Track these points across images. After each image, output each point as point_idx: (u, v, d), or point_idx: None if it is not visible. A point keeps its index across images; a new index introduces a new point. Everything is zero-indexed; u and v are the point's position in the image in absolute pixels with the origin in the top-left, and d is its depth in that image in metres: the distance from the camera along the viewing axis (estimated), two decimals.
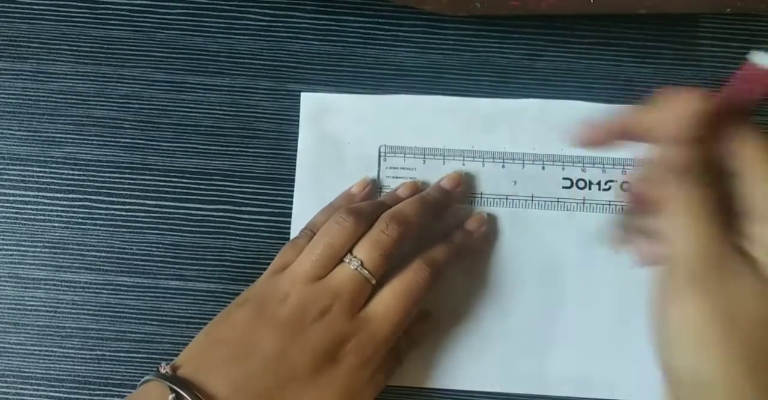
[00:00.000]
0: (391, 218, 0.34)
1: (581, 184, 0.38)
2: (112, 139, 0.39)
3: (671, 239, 0.26)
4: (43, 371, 0.38)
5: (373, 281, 0.33)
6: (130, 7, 0.40)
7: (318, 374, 0.31)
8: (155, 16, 0.40)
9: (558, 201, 0.38)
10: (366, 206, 0.35)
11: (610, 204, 0.38)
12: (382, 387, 0.34)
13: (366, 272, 0.33)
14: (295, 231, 0.38)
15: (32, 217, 0.39)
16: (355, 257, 0.33)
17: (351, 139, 0.39)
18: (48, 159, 0.39)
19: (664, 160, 0.26)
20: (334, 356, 0.31)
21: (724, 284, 0.24)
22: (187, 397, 0.29)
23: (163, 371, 0.31)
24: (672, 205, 0.26)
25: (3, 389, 0.38)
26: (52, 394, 0.38)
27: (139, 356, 0.38)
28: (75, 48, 0.40)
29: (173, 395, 0.29)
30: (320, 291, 0.32)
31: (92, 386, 0.38)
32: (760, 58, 0.26)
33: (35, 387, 0.38)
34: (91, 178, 0.39)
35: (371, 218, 0.34)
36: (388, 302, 0.33)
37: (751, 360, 0.23)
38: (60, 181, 0.39)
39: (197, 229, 0.39)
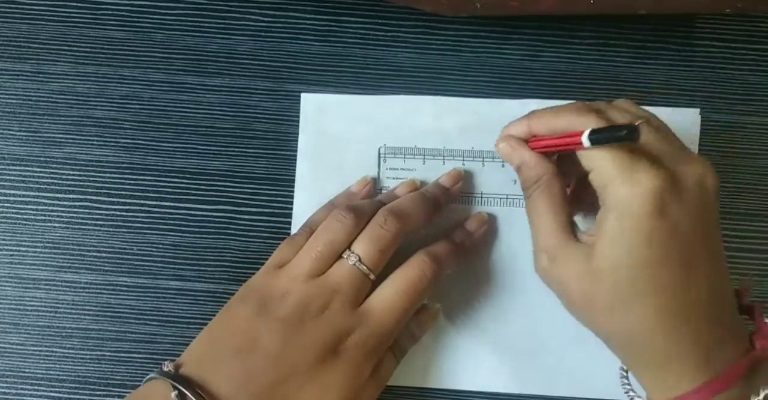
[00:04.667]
0: (389, 213, 0.34)
1: None
2: (112, 140, 0.39)
3: (533, 241, 0.32)
4: (43, 371, 0.38)
5: (372, 277, 0.33)
6: (129, 8, 0.40)
7: (319, 368, 0.31)
8: (154, 16, 0.40)
9: None
10: (365, 204, 0.35)
11: None
12: (384, 385, 0.34)
13: (364, 267, 0.33)
14: (295, 231, 0.38)
15: (32, 217, 0.39)
16: (353, 253, 0.33)
17: (351, 139, 0.39)
18: (48, 159, 0.39)
19: (524, 176, 0.33)
20: (335, 350, 0.32)
21: (559, 274, 0.31)
22: (190, 395, 0.29)
23: (166, 369, 0.31)
24: (530, 211, 0.32)
25: (3, 389, 0.38)
26: (52, 394, 0.38)
27: (140, 356, 0.38)
28: (75, 48, 0.40)
29: (176, 392, 0.29)
30: (320, 288, 0.32)
31: (92, 387, 0.38)
32: (585, 139, 0.29)
33: (35, 387, 0.38)
34: (91, 178, 0.39)
35: (370, 214, 0.34)
36: (388, 295, 0.33)
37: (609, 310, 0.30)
38: (60, 181, 0.39)
39: (197, 229, 0.39)
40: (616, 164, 0.29)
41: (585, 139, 0.29)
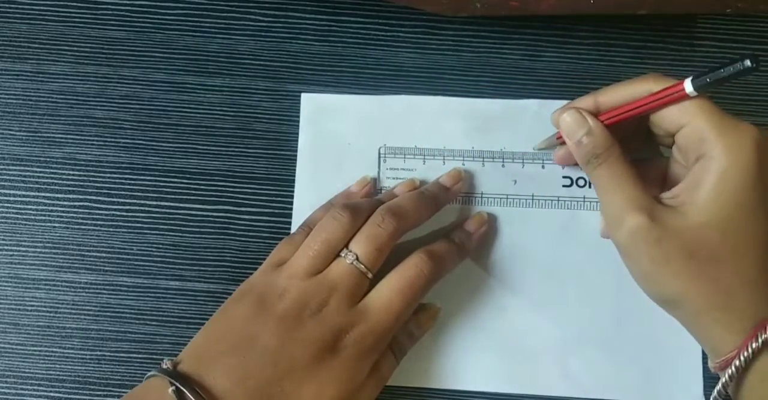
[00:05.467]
0: (386, 211, 0.34)
1: (581, 182, 0.38)
2: (112, 140, 0.39)
3: (608, 211, 0.32)
4: (43, 371, 0.38)
5: (370, 275, 0.33)
6: (129, 8, 0.40)
7: (317, 365, 0.31)
8: (154, 16, 0.40)
9: (558, 200, 0.38)
10: (362, 202, 0.35)
11: None
12: (384, 384, 0.34)
13: (362, 265, 0.33)
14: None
15: (32, 217, 0.39)
16: (350, 252, 0.33)
17: (351, 139, 0.39)
18: (48, 159, 0.39)
19: (585, 149, 0.32)
20: (333, 347, 0.32)
21: (658, 231, 0.30)
22: (186, 391, 0.29)
23: (164, 366, 0.31)
24: (601, 183, 0.32)
25: (3, 389, 0.38)
26: (52, 394, 0.38)
27: (139, 356, 0.38)
28: (75, 48, 0.40)
29: (173, 388, 0.30)
30: (317, 286, 0.32)
31: (92, 387, 0.38)
32: (688, 85, 0.29)
33: (35, 387, 0.38)
34: (91, 178, 0.39)
35: (368, 213, 0.34)
36: (386, 293, 0.33)
37: (687, 274, 0.30)
38: (60, 181, 0.39)
39: (197, 229, 0.39)
40: (716, 116, 0.30)
41: (688, 84, 0.29)
